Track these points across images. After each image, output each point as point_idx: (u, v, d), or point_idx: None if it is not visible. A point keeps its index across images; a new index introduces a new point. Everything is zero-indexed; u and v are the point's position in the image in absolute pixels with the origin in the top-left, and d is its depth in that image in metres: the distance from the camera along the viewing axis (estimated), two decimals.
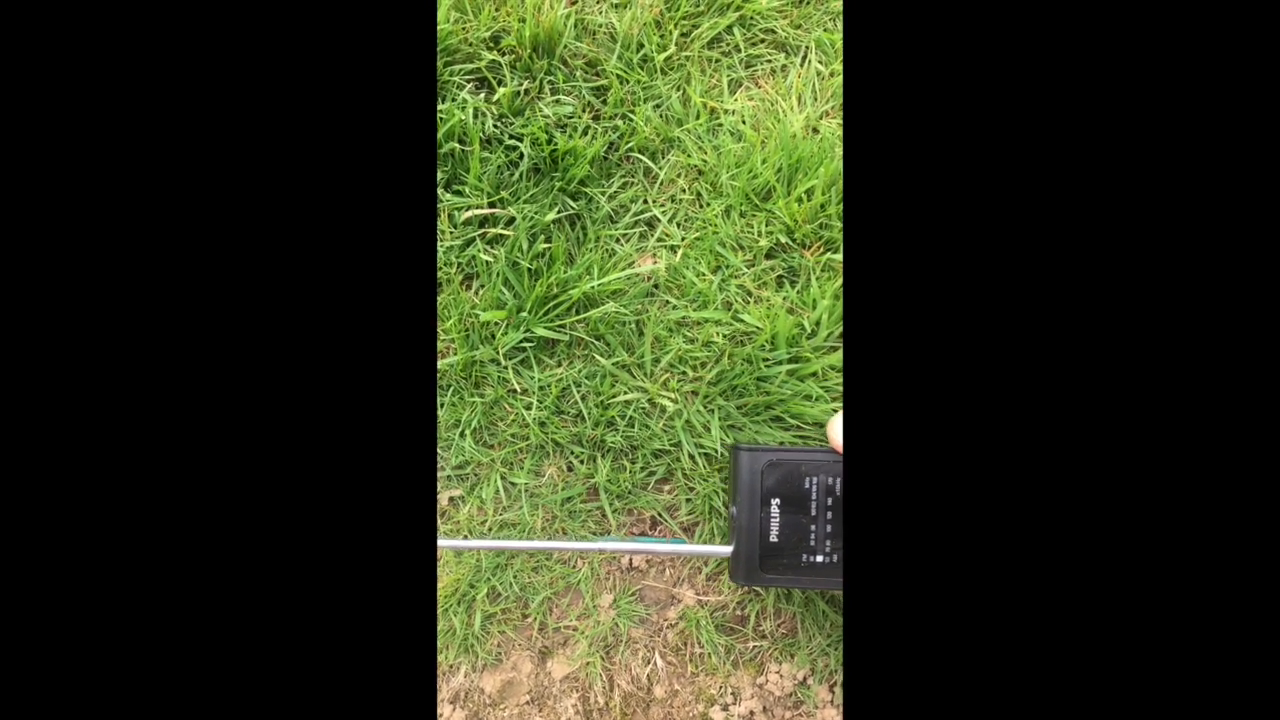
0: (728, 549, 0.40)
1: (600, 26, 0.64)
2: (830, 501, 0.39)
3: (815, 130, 0.63)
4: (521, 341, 0.60)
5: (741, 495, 0.39)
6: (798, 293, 0.60)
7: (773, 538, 0.39)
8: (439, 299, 0.61)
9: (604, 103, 0.64)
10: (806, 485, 0.39)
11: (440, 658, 0.60)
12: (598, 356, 0.60)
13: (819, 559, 0.39)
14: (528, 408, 0.60)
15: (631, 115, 0.63)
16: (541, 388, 0.60)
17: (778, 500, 0.39)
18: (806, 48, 0.65)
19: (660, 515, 0.60)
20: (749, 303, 0.61)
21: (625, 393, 0.60)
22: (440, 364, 0.60)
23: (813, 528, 0.39)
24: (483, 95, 0.62)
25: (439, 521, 0.61)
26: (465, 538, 0.60)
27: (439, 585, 0.60)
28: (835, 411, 0.37)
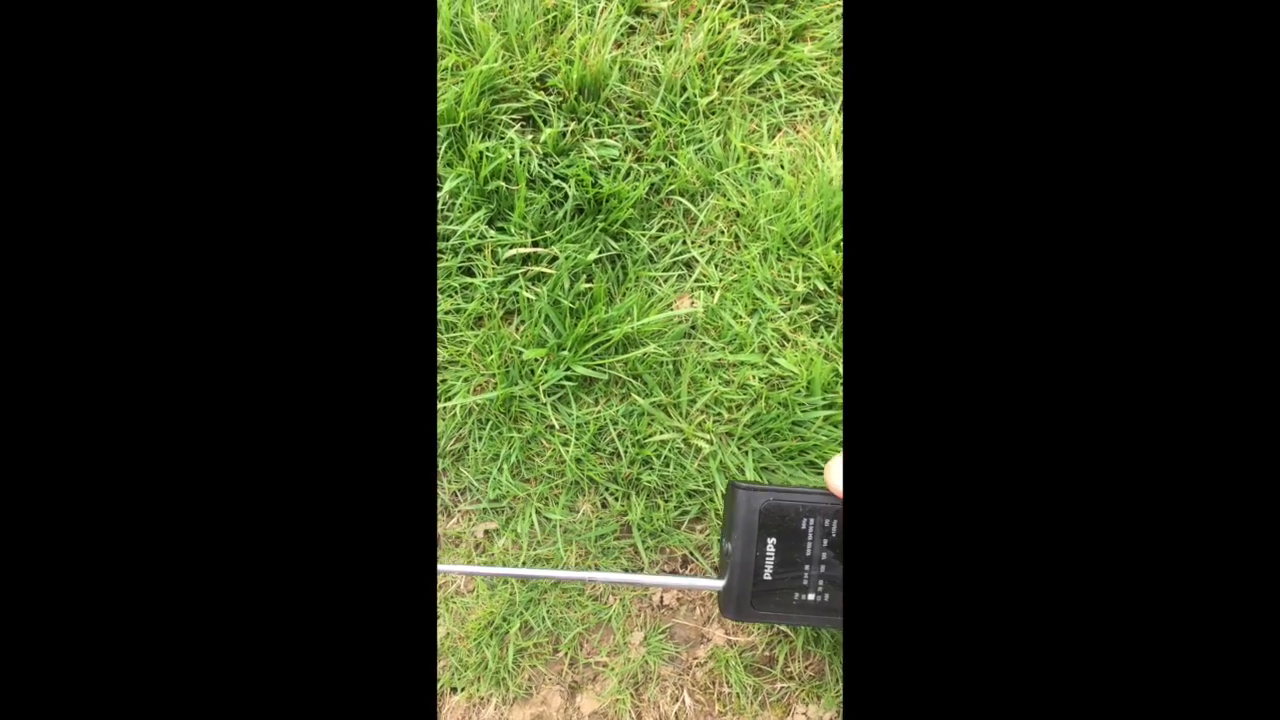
0: (719, 583, 0.41)
1: (645, 69, 0.65)
2: (826, 543, 0.40)
3: None
4: (561, 379, 0.60)
5: (738, 532, 0.40)
6: (834, 338, 0.61)
7: (766, 575, 0.40)
8: (480, 334, 0.62)
9: (647, 145, 0.65)
10: (803, 526, 0.40)
11: (471, 689, 0.61)
12: (635, 396, 0.61)
13: (810, 597, 0.40)
14: (565, 444, 0.61)
15: (673, 158, 0.64)
16: (579, 425, 0.61)
17: (773, 539, 0.40)
18: None
19: (692, 554, 0.61)
20: (785, 346, 0.62)
21: (661, 432, 0.61)
22: (480, 398, 0.61)
23: (807, 567, 0.40)
24: (529, 136, 0.64)
25: (473, 553, 0.62)
26: (469, 563, 0.61)
27: (472, 617, 0.61)
28: (836, 454, 0.38)
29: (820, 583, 0.37)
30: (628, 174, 0.64)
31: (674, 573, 0.61)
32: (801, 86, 0.67)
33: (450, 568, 0.41)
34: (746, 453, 0.60)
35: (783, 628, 0.60)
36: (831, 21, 0.67)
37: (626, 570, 0.61)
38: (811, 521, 0.37)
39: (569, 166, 0.62)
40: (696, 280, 0.63)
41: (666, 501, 0.61)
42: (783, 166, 0.65)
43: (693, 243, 0.64)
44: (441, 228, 0.62)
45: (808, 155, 0.65)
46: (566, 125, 0.64)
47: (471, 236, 0.62)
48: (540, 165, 0.62)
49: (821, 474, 0.58)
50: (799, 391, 0.60)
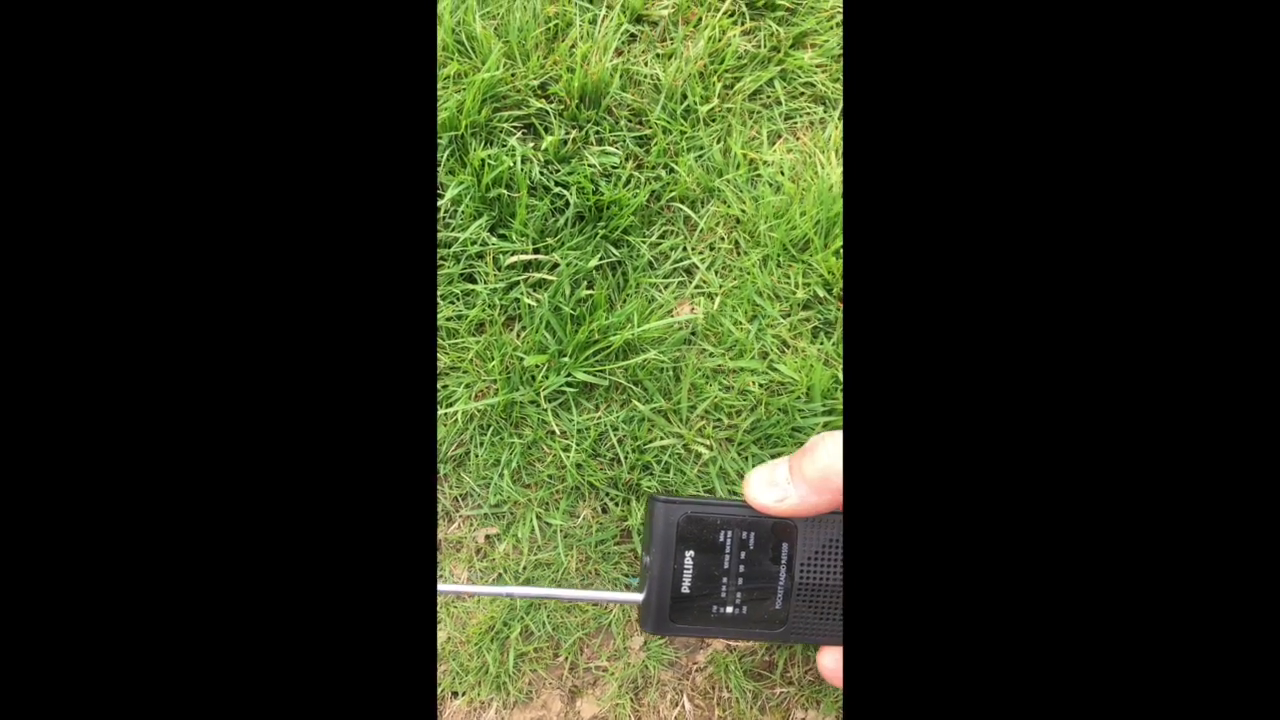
0: (638, 597, 0.41)
1: (646, 77, 0.66)
2: (743, 555, 0.40)
3: None
4: (562, 385, 0.61)
5: (655, 545, 0.40)
6: (833, 345, 0.62)
7: (684, 588, 0.40)
8: (482, 340, 0.62)
9: (647, 152, 0.65)
10: (720, 538, 0.40)
11: (472, 694, 0.61)
12: (636, 402, 0.61)
13: (729, 610, 0.40)
14: (566, 450, 0.61)
15: (674, 165, 0.64)
16: (580, 431, 0.61)
17: (691, 552, 0.40)
18: None
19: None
20: (785, 353, 0.62)
21: (661, 438, 0.61)
22: (481, 404, 0.61)
23: (724, 580, 0.40)
24: (531, 143, 0.64)
25: (474, 558, 0.62)
26: (469, 571, 0.61)
27: (473, 622, 0.61)
28: (754, 468, 0.38)
29: (738, 595, 0.37)
30: (628, 181, 0.64)
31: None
32: (801, 94, 0.67)
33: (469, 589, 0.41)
34: (746, 458, 0.60)
35: None
36: (831, 29, 0.67)
37: (633, 575, 0.61)
38: (729, 534, 0.37)
39: (570, 174, 0.63)
40: (697, 287, 0.64)
41: None
42: (783, 173, 0.65)
43: (693, 249, 0.64)
44: (444, 235, 0.62)
45: (808, 162, 0.66)
46: (568, 133, 0.64)
47: (473, 243, 0.62)
48: (541, 173, 0.63)
49: None
50: (799, 397, 0.60)
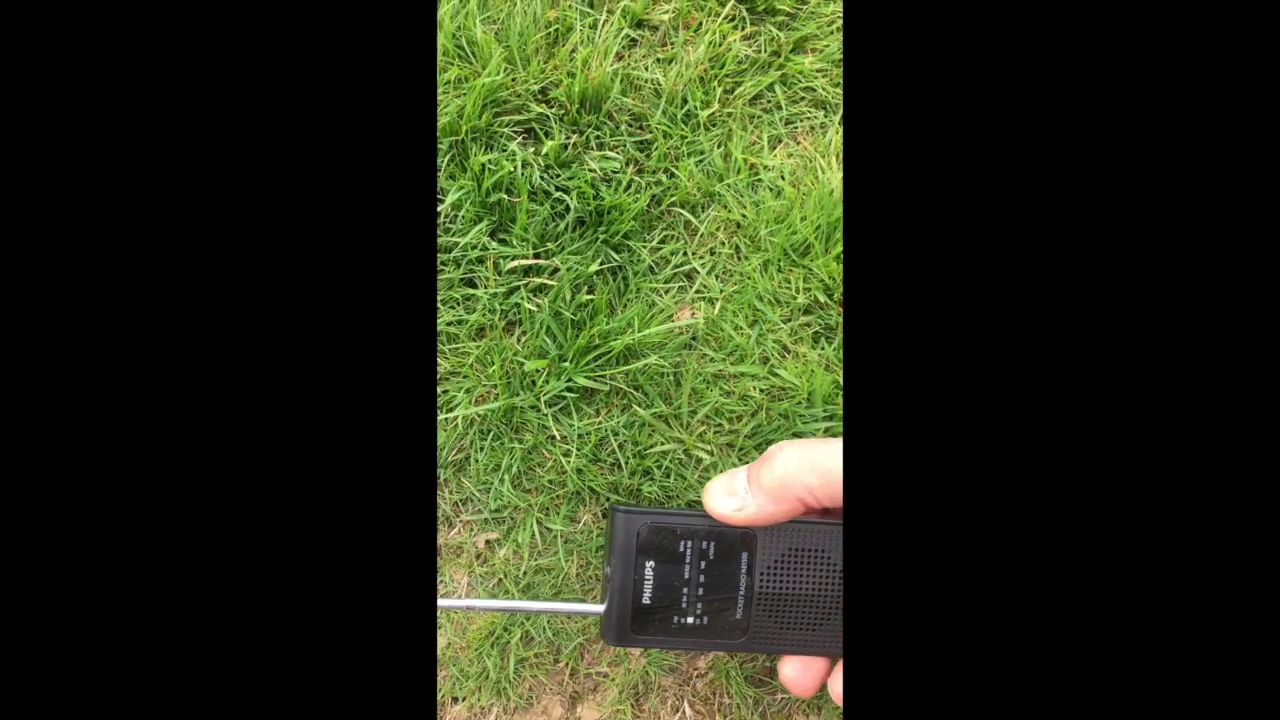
0: (600, 608, 0.41)
1: (646, 82, 0.66)
2: (704, 565, 0.40)
3: None
4: (563, 390, 0.61)
5: (616, 556, 0.40)
6: (834, 350, 0.62)
7: (645, 599, 0.39)
8: (482, 345, 0.62)
9: (648, 157, 0.65)
10: (681, 548, 0.40)
11: (472, 699, 0.61)
12: (636, 407, 0.61)
13: (690, 620, 0.40)
14: (566, 455, 0.61)
15: (674, 170, 0.64)
16: (580, 436, 0.61)
17: (652, 563, 0.40)
18: None
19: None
20: (786, 358, 0.62)
21: (662, 443, 0.61)
22: (482, 409, 0.61)
23: (685, 590, 0.40)
24: (531, 148, 0.64)
25: (474, 563, 0.62)
26: (467, 580, 0.61)
27: (473, 627, 0.61)
28: (714, 478, 0.38)
29: (699, 605, 0.37)
30: (629, 186, 0.64)
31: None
32: (802, 98, 0.67)
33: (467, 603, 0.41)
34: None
35: None
36: (832, 33, 0.67)
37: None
38: (690, 544, 0.37)
39: (570, 179, 0.63)
40: (697, 291, 0.64)
41: None
42: (783, 178, 0.65)
43: (694, 254, 0.64)
44: (444, 240, 0.62)
45: (808, 167, 0.66)
46: (568, 138, 0.64)
47: (473, 248, 0.62)
48: (542, 177, 0.63)
49: None
50: (800, 403, 0.60)
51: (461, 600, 0.41)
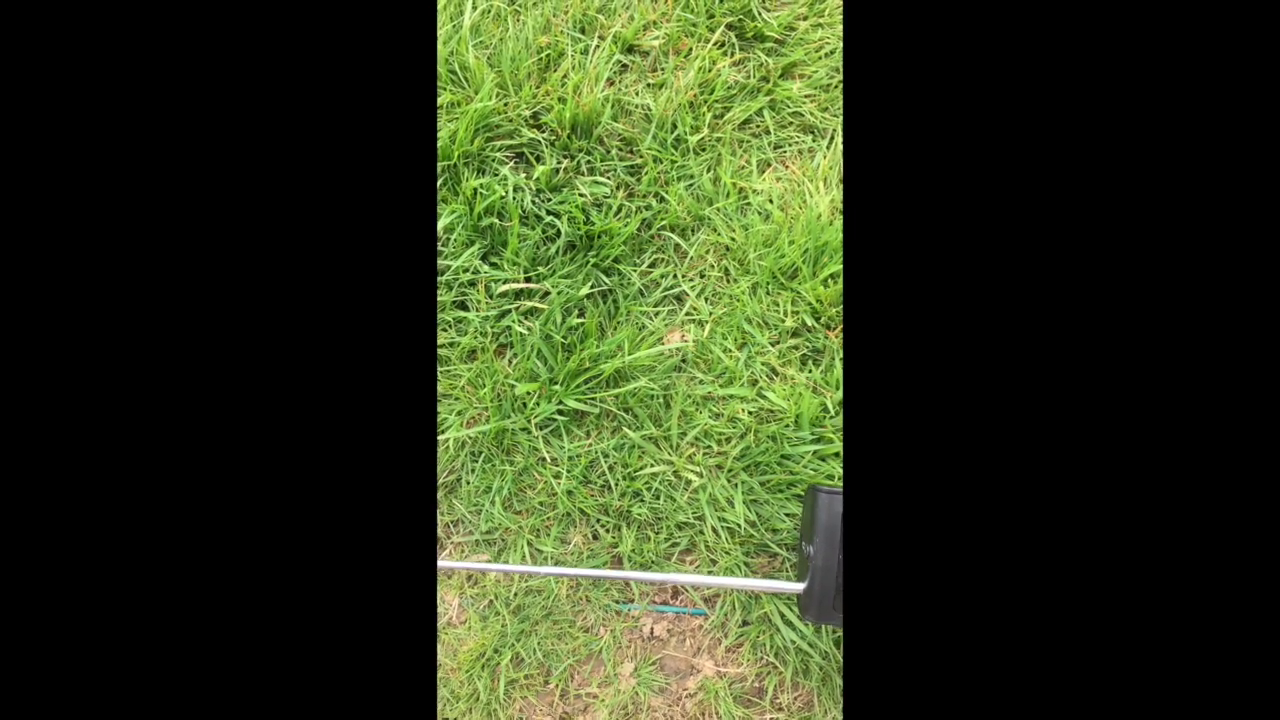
0: (799, 586, 0.42)
1: (636, 107, 0.67)
2: None
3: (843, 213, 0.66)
4: (553, 413, 0.61)
5: (819, 535, 0.41)
6: (821, 373, 0.62)
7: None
8: (473, 367, 0.62)
9: (638, 181, 0.66)
10: None
11: None
12: (626, 429, 0.62)
13: None
14: (556, 477, 0.61)
15: (664, 194, 0.65)
16: (570, 458, 0.62)
17: None
18: (833, 131, 0.68)
19: (683, 585, 0.62)
20: (774, 380, 0.63)
21: (652, 465, 0.61)
22: (473, 431, 0.62)
23: None
24: (523, 173, 0.65)
25: (465, 584, 0.62)
26: (461, 594, 0.62)
27: (464, 649, 0.61)
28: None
29: None
30: (619, 210, 0.65)
31: (673, 604, 0.62)
32: (790, 123, 0.68)
33: (454, 563, 0.41)
34: (736, 485, 0.61)
35: (771, 659, 0.60)
36: (820, 59, 0.68)
37: (624, 601, 0.62)
38: None
39: (561, 203, 0.63)
40: (687, 314, 0.64)
41: (657, 534, 0.61)
42: (772, 201, 0.66)
43: (683, 277, 0.65)
44: (437, 263, 0.63)
45: (796, 191, 0.66)
46: (559, 162, 0.65)
47: (465, 271, 0.62)
48: (533, 202, 0.63)
49: None
50: (787, 425, 0.61)
51: (619, 572, 0.41)
